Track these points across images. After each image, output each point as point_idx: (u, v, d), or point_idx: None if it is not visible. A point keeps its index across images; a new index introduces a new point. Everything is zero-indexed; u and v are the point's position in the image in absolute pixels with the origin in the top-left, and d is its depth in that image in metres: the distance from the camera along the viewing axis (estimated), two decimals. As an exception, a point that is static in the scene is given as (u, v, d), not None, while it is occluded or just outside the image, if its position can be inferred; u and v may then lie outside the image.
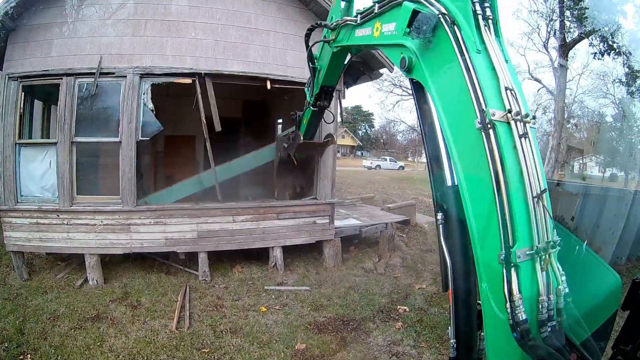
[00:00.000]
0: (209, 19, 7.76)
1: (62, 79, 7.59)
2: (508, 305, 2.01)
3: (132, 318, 6.33)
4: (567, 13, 18.10)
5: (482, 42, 2.36)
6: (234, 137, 10.84)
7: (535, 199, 2.13)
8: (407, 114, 62.15)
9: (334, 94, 8.48)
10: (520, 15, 42.23)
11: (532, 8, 23.02)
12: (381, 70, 9.50)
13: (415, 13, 2.49)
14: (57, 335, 5.83)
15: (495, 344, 2.22)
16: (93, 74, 7.50)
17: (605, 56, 17.04)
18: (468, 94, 2.22)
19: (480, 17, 2.40)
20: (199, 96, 7.71)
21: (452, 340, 2.46)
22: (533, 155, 2.18)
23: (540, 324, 2.07)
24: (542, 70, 38.61)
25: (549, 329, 2.08)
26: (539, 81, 29.44)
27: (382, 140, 71.87)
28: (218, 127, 7.55)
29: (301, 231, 8.30)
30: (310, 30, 4.72)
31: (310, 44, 4.73)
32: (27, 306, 6.75)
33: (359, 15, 3.53)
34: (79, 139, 7.59)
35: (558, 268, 2.17)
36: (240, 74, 7.78)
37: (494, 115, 2.14)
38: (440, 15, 2.39)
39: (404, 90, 40.28)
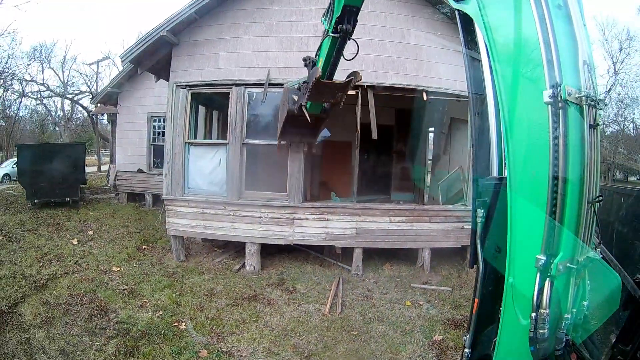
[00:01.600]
0: (367, 35, 8.40)
1: (231, 88, 8.61)
2: (534, 315, 1.81)
3: (287, 301, 7.02)
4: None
5: None
6: (388, 143, 11.34)
7: (589, 205, 1.86)
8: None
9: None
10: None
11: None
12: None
13: None
14: (214, 309, 6.58)
15: (507, 344, 2.07)
16: (261, 84, 8.46)
17: None
18: (539, 57, 1.81)
19: None
20: (359, 106, 8.41)
21: (466, 350, 2.29)
22: (597, 152, 1.88)
23: (558, 341, 1.93)
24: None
25: (563, 344, 1.95)
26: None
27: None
28: (375, 135, 8.05)
29: (449, 235, 8.65)
30: None
31: None
32: (184, 283, 7.65)
33: None
34: (249, 141, 8.54)
35: (588, 283, 1.98)
36: (399, 86, 8.38)
37: (570, 94, 1.76)
38: None
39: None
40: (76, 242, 10.05)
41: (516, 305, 1.94)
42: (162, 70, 10.13)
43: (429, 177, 9.14)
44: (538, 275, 1.80)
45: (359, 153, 8.42)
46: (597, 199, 1.89)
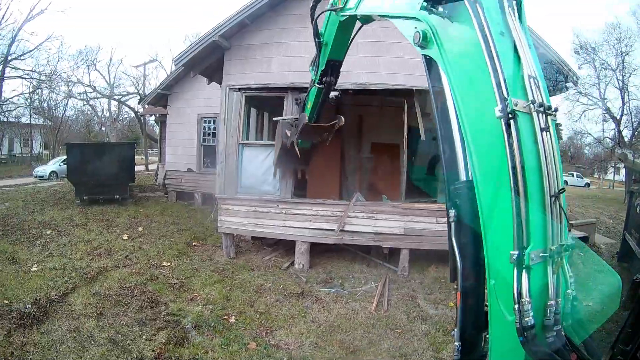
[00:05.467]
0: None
1: (287, 93, 8.84)
2: (516, 307, 1.92)
3: (334, 298, 7.19)
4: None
5: (506, 24, 2.22)
6: (434, 145, 11.42)
7: (552, 199, 2.03)
8: (593, 125, 56.57)
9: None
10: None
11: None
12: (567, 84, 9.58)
13: None
14: (263, 304, 6.79)
15: (499, 343, 2.14)
16: (310, 88, 8.68)
17: None
18: (489, 79, 2.06)
19: None
20: (405, 109, 8.51)
21: (457, 343, 2.32)
22: (553, 151, 2.08)
23: (547, 328, 2.00)
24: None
25: (554, 333, 2.02)
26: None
27: (569, 154, 67.42)
28: (423, 136, 8.27)
29: (495, 237, 8.51)
30: (316, 3, 4.50)
31: (315, 16, 4.46)
32: (234, 279, 7.88)
33: None
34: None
35: (568, 271, 2.10)
36: None
37: (517, 105, 2.00)
38: None
39: (589, 99, 36.40)
40: (126, 238, 10.45)
41: (501, 304, 2.03)
42: (213, 73, 10.51)
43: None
44: (515, 269, 1.95)
45: (406, 155, 8.54)
46: (559, 192, 2.05)
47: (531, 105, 2.05)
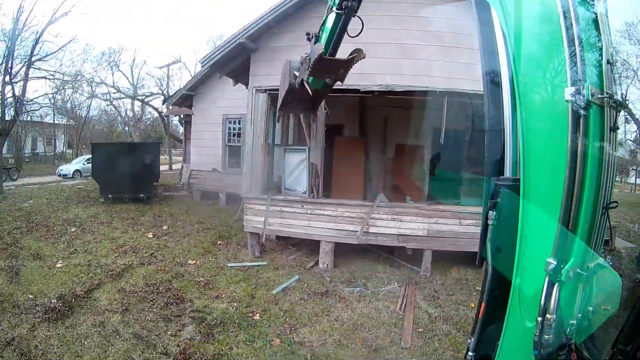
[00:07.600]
0: (438, 42, 8.53)
1: (309, 94, 8.95)
2: (539, 319, 1.71)
3: (358, 297, 7.29)
4: None
5: None
6: (461, 146, 11.39)
7: (603, 210, 1.77)
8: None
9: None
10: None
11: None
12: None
13: None
14: (287, 302, 6.93)
15: (510, 344, 2.00)
16: (337, 89, 8.80)
17: None
18: (562, 51, 1.65)
19: None
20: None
21: (470, 353, 2.20)
22: (614, 156, 1.78)
23: (561, 346, 1.82)
24: None
25: (566, 350, 1.83)
26: None
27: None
28: (441, 139, 8.35)
29: (517, 240, 8.47)
30: None
31: None
32: (259, 277, 8.03)
33: None
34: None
35: (594, 289, 1.86)
36: (472, 92, 8.13)
37: (593, 95, 1.61)
38: None
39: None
40: (151, 236, 10.64)
41: (522, 306, 1.87)
42: (239, 75, 10.71)
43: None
44: (547, 279, 1.69)
45: (430, 157, 8.61)
46: (611, 205, 1.82)
47: (605, 99, 1.65)
